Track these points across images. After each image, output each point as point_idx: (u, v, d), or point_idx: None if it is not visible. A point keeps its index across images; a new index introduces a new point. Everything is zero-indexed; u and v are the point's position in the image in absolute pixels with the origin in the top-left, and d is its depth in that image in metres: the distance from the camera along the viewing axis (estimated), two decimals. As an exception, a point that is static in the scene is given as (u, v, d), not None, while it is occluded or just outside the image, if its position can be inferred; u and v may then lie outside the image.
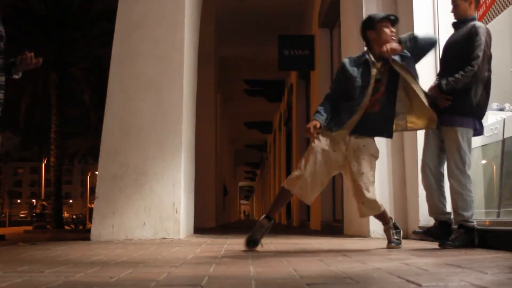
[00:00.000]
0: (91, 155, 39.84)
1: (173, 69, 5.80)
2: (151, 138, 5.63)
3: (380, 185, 5.73)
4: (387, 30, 3.82)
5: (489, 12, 4.98)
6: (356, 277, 2.17)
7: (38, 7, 20.36)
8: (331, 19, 9.16)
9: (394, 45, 3.71)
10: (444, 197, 3.98)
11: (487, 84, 3.87)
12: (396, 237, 3.92)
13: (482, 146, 4.69)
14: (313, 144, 3.79)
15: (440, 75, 4.06)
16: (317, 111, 3.80)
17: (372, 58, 3.80)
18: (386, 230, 3.98)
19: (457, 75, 3.78)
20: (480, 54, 3.75)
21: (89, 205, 36.05)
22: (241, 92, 17.58)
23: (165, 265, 2.78)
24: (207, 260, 3.10)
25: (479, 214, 4.46)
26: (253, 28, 13.18)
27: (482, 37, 3.78)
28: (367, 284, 2.01)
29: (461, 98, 3.82)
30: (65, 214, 35.65)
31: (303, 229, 10.78)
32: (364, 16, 6.05)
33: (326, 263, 2.77)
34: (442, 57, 4.18)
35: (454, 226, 3.91)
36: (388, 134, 3.94)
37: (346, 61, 3.88)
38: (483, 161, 4.83)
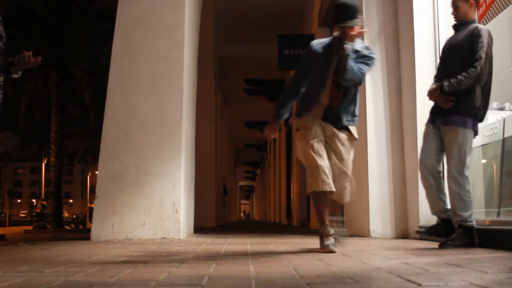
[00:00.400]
0: (91, 155, 39.86)
1: (173, 68, 5.80)
2: (151, 137, 5.63)
3: (380, 185, 5.74)
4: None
5: (489, 11, 4.98)
6: (356, 277, 2.17)
7: (38, 6, 20.37)
8: (331, 18, 9.14)
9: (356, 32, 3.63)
10: (444, 194, 3.98)
11: (487, 88, 3.88)
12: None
13: (482, 145, 4.69)
14: (303, 140, 3.74)
15: (439, 77, 4.05)
16: (277, 112, 3.89)
17: (335, 40, 3.75)
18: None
19: (459, 77, 3.78)
20: (483, 55, 3.76)
21: (89, 204, 36.07)
22: (241, 91, 17.58)
23: (165, 264, 2.78)
24: (207, 259, 3.10)
25: (479, 214, 4.46)
26: (253, 27, 13.18)
27: (485, 39, 3.79)
28: (367, 284, 2.01)
29: (463, 98, 3.82)
30: (65, 214, 35.71)
31: (303, 229, 10.78)
32: (364, 16, 6.05)
33: (326, 263, 2.77)
34: (442, 58, 4.17)
35: (454, 226, 3.91)
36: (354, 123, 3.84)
37: (313, 42, 3.90)
38: (483, 161, 4.83)
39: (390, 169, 5.76)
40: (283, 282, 2.07)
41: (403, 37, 5.79)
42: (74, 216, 30.20)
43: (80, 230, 17.32)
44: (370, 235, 5.62)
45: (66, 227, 20.08)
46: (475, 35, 3.82)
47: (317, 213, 3.74)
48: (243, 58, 16.11)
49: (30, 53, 3.61)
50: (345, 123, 3.73)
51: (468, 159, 3.81)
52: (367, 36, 6.05)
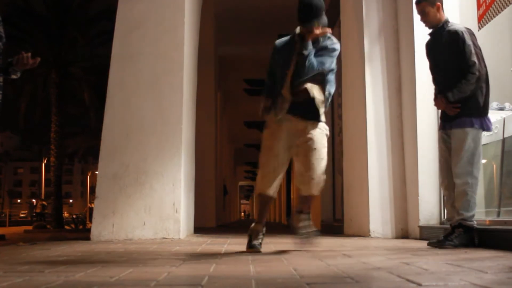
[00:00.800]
0: (91, 155, 39.87)
1: (173, 68, 5.80)
2: (151, 137, 5.63)
3: (380, 185, 5.74)
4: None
5: (489, 11, 4.98)
6: (356, 277, 2.17)
7: (38, 6, 20.38)
8: (331, 18, 9.13)
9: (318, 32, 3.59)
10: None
11: (487, 79, 3.89)
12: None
13: (482, 145, 4.68)
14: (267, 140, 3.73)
15: (439, 88, 4.02)
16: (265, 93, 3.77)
17: (297, 37, 3.72)
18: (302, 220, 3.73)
19: (460, 85, 3.80)
20: (475, 59, 3.78)
21: (89, 204, 36.06)
22: (241, 91, 17.57)
23: (165, 264, 2.78)
24: (207, 259, 3.10)
25: (479, 214, 4.46)
26: (253, 27, 13.17)
27: (468, 41, 3.81)
28: (367, 284, 2.00)
29: (469, 100, 3.83)
30: (65, 214, 35.66)
31: (303, 229, 10.75)
32: (364, 16, 6.05)
33: (326, 263, 2.77)
34: (433, 69, 4.14)
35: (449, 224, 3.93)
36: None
37: (276, 42, 3.86)
38: (483, 161, 4.83)
39: (390, 169, 5.76)
40: (283, 282, 2.06)
41: (403, 37, 5.79)
42: (74, 216, 30.17)
43: (80, 230, 17.32)
44: (370, 235, 5.62)
45: (66, 227, 20.08)
46: (459, 41, 3.82)
47: (258, 213, 3.82)
48: (243, 58, 16.09)
49: (29, 54, 3.61)
50: (311, 116, 3.66)
51: (477, 159, 3.81)
52: (367, 36, 6.06)
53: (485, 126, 3.89)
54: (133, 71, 5.80)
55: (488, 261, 2.72)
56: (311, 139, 3.61)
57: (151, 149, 5.60)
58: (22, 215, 57.67)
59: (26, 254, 3.61)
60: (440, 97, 3.92)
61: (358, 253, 3.47)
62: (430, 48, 4.13)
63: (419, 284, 1.90)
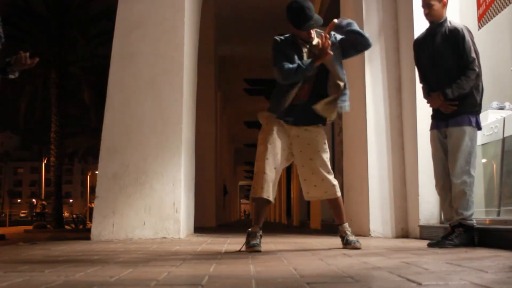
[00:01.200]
0: (91, 155, 39.87)
1: (173, 68, 5.80)
2: (151, 137, 5.63)
3: (380, 185, 5.75)
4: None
5: (488, 11, 4.98)
6: (356, 276, 2.17)
7: (38, 6, 20.38)
8: (331, 18, 9.14)
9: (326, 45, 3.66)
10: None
11: (481, 78, 3.90)
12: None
13: (482, 145, 4.69)
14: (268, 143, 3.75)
15: (431, 84, 4.01)
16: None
17: (300, 41, 3.82)
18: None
19: (460, 81, 3.78)
20: (474, 55, 3.79)
21: (89, 204, 36.04)
22: (241, 91, 17.59)
23: (165, 264, 2.78)
24: (207, 259, 3.10)
25: (479, 213, 4.46)
26: (253, 27, 13.18)
27: (467, 37, 3.82)
28: (367, 283, 2.00)
29: (466, 98, 3.82)
30: (65, 214, 35.69)
31: (303, 229, 10.79)
32: (364, 16, 6.05)
33: (326, 262, 2.77)
34: (424, 65, 4.10)
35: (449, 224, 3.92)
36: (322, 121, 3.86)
37: (277, 37, 3.90)
38: (483, 160, 4.83)
39: (390, 169, 5.76)
40: (283, 282, 2.06)
41: (403, 37, 5.78)
42: (74, 216, 30.17)
43: (80, 230, 17.32)
44: (370, 234, 5.62)
45: (66, 227, 20.08)
46: (459, 38, 3.82)
47: (255, 216, 3.82)
48: (243, 58, 16.11)
49: (27, 54, 3.61)
50: (312, 121, 3.77)
51: (474, 158, 3.81)
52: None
53: (480, 124, 3.90)
54: (133, 71, 5.80)
55: (488, 261, 2.72)
56: (323, 148, 3.78)
57: (151, 149, 5.60)
58: (22, 215, 57.70)
59: (26, 254, 3.61)
60: (438, 94, 3.89)
61: (358, 252, 3.47)
62: (424, 44, 4.10)
63: (419, 284, 1.90)
